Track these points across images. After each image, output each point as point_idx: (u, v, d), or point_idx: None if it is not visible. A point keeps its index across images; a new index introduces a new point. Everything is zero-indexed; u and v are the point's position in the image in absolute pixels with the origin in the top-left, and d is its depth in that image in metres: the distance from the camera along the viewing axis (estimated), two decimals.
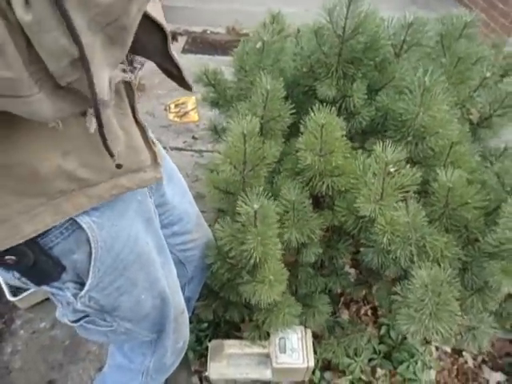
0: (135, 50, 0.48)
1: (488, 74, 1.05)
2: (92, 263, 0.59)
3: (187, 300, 1.17)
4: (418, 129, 0.88)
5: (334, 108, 0.83)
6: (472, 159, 0.93)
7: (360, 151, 0.93)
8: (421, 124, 0.87)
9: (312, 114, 0.82)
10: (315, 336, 1.14)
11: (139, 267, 0.67)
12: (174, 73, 0.58)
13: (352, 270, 1.21)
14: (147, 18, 0.47)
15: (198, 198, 1.91)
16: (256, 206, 0.78)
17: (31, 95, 0.33)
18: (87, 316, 0.68)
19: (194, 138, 2.20)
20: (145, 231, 0.67)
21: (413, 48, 0.98)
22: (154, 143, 0.63)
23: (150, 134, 0.63)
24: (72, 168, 0.50)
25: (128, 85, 0.55)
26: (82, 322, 0.70)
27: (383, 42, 0.93)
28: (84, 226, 0.55)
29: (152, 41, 0.50)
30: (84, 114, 0.42)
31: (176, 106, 2.36)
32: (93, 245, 0.57)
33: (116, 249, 0.61)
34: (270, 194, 0.82)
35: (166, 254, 0.78)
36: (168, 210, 0.85)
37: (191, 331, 1.24)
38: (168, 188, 0.82)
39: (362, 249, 0.90)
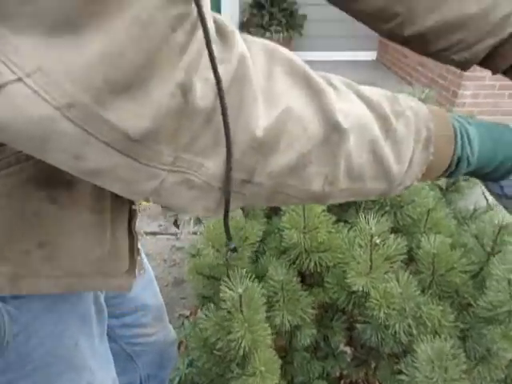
0: None
1: None
2: None
3: None
4: (395, 198, 0.91)
5: None
6: (450, 223, 0.96)
7: (342, 224, 0.94)
8: (396, 194, 0.90)
9: None
10: None
11: (55, 372, 0.55)
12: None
13: (347, 348, 1.15)
14: None
15: (176, 283, 1.84)
16: (240, 290, 0.75)
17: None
18: None
19: (171, 221, 2.17)
20: (77, 329, 0.56)
21: None
22: (138, 252, 0.58)
23: (139, 244, 0.59)
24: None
25: None
26: None
27: None
28: None
29: None
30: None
31: None
32: None
33: (28, 347, 0.50)
34: (254, 276, 0.80)
35: (104, 357, 0.65)
36: (121, 303, 0.77)
37: None
38: None
39: (358, 325, 0.86)
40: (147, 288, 0.84)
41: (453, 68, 0.60)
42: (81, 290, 0.52)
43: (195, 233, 1.94)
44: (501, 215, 0.92)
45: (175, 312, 1.58)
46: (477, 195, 1.32)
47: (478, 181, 1.20)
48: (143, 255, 0.81)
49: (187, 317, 1.56)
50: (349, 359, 1.06)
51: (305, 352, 1.00)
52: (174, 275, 1.85)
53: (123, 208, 0.52)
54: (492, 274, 0.78)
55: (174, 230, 2.12)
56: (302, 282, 0.91)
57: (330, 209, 1.03)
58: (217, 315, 0.84)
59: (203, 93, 0.29)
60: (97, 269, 0.51)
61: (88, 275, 0.50)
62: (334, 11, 0.64)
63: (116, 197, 0.49)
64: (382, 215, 0.93)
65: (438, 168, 0.43)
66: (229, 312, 0.79)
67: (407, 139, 0.39)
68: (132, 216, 0.54)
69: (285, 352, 1.00)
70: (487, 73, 0.60)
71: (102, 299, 0.62)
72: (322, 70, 0.36)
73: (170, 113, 0.28)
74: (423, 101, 1.12)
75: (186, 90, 0.28)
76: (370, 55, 4.51)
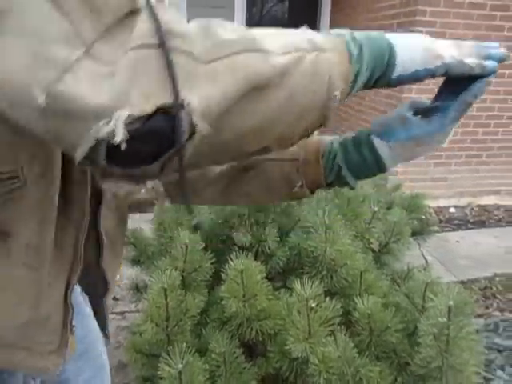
0: None
1: (376, 209, 1.23)
2: None
3: None
4: (329, 262, 0.96)
5: (250, 253, 0.89)
6: (382, 284, 1.01)
7: (283, 290, 0.97)
8: (330, 258, 0.95)
9: (231, 262, 0.85)
10: None
11: None
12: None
13: None
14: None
15: (120, 367, 1.70)
16: (180, 366, 0.72)
17: None
18: None
19: (115, 298, 2.07)
20: None
21: None
22: (71, 330, 0.55)
23: (73, 321, 0.56)
24: None
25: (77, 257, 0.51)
26: None
27: None
28: None
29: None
30: None
31: None
32: None
33: None
34: (194, 350, 0.78)
35: None
36: None
37: None
38: (74, 364, 0.69)
39: None
40: (97, 376, 0.77)
41: None
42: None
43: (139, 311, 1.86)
44: (427, 273, 0.99)
45: None
46: (412, 257, 1.41)
47: (408, 242, 1.29)
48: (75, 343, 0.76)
49: None
50: None
51: None
52: (118, 358, 1.71)
53: (62, 269, 0.50)
54: (421, 331, 0.83)
55: (120, 308, 2.02)
56: (246, 353, 0.90)
57: (272, 277, 1.06)
58: None
59: None
60: (22, 339, 0.47)
61: (10, 347, 0.47)
62: None
63: (55, 255, 0.47)
64: (320, 279, 0.97)
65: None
66: None
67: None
68: (69, 283, 0.51)
69: None
70: None
71: None
72: None
73: None
74: None
75: None
76: None
